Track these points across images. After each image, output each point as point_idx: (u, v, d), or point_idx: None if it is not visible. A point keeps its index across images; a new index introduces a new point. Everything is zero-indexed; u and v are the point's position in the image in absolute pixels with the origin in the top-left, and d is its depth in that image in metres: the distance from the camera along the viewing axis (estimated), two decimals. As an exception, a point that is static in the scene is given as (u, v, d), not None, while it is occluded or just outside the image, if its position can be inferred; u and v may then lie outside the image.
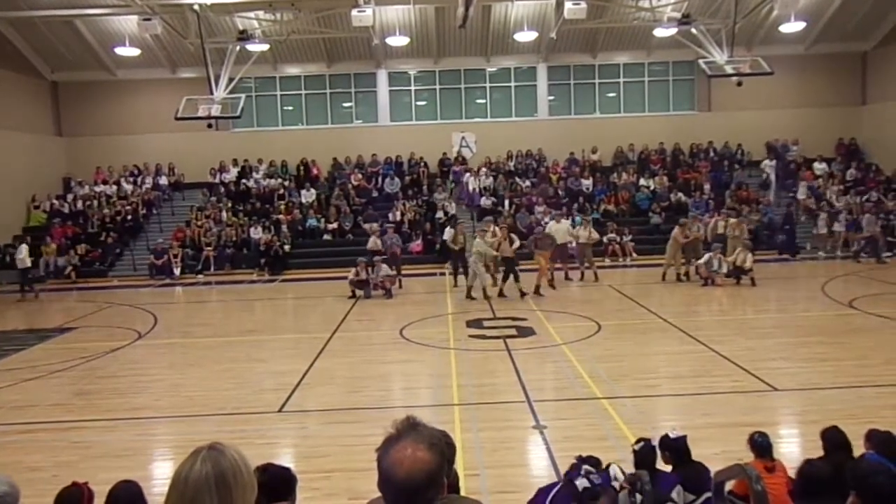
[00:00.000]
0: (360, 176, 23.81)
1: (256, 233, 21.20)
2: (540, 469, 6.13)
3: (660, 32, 20.94)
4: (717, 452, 5.48)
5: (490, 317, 12.96)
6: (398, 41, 21.79)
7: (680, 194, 22.39)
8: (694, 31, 18.47)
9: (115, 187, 23.90)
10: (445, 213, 21.54)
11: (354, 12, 17.24)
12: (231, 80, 18.30)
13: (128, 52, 20.98)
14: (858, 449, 4.10)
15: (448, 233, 17.17)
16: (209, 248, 20.75)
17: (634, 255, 20.05)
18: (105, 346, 11.43)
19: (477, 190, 23.02)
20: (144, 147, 24.30)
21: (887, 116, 23.43)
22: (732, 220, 17.05)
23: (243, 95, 19.02)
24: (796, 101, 24.26)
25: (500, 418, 7.32)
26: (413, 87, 25.17)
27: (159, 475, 6.16)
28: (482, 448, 6.45)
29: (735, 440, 5.32)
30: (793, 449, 6.08)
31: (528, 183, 23.32)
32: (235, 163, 24.47)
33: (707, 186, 22.65)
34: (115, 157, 24.40)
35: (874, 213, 19.37)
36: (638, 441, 4.44)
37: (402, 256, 18.42)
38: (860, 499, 2.60)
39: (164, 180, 24.20)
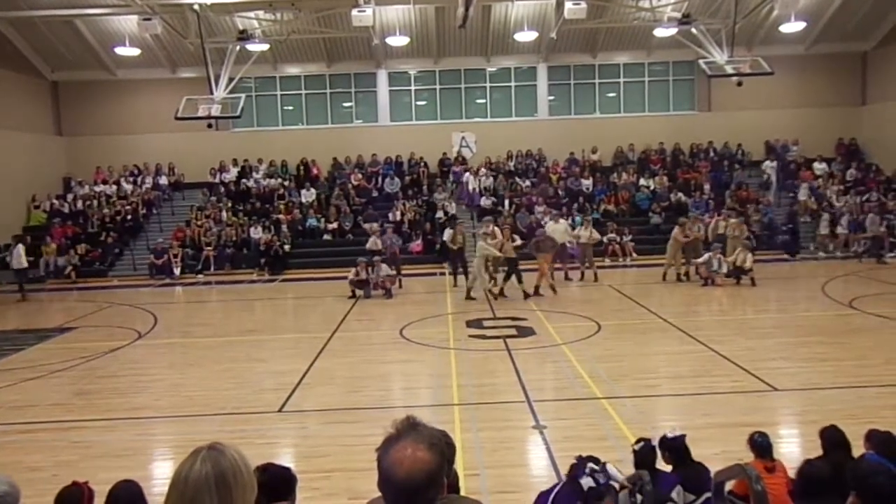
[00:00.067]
0: (360, 176, 23.81)
1: (256, 233, 21.20)
2: (540, 469, 6.12)
3: (660, 32, 20.94)
4: (716, 452, 5.48)
5: (490, 317, 12.96)
6: (398, 41, 21.79)
7: (680, 194, 22.39)
8: (694, 31, 18.46)
9: (115, 187, 23.90)
10: (445, 213, 21.54)
11: (354, 12, 17.25)
12: (231, 79, 18.30)
13: (128, 51, 20.98)
14: (858, 449, 4.10)
15: (447, 233, 17.17)
16: (209, 248, 20.76)
17: (634, 255, 20.06)
18: (105, 346, 11.43)
19: (477, 190, 23.02)
20: (144, 147, 24.30)
21: (887, 116, 23.43)
22: (733, 221, 17.05)
23: (243, 95, 19.01)
24: (796, 101, 24.26)
25: (500, 418, 7.32)
26: (413, 87, 25.18)
27: (159, 475, 6.16)
28: (482, 448, 6.45)
29: (735, 440, 5.32)
30: (793, 449, 6.07)
31: (528, 183, 23.32)
32: (235, 163, 24.47)
33: (707, 186, 22.65)
34: (115, 156, 24.40)
35: (878, 213, 19.32)
36: (638, 441, 4.44)
37: (402, 256, 18.42)
38: (860, 499, 2.60)
39: (164, 180, 24.20)
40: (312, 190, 23.32)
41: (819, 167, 23.50)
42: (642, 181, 23.28)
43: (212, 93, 17.99)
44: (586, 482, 3.46)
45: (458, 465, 5.16)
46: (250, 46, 19.34)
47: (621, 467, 4.44)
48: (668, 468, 4.43)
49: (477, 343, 10.96)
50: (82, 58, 22.99)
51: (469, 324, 12.33)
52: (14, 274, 17.61)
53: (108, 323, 13.92)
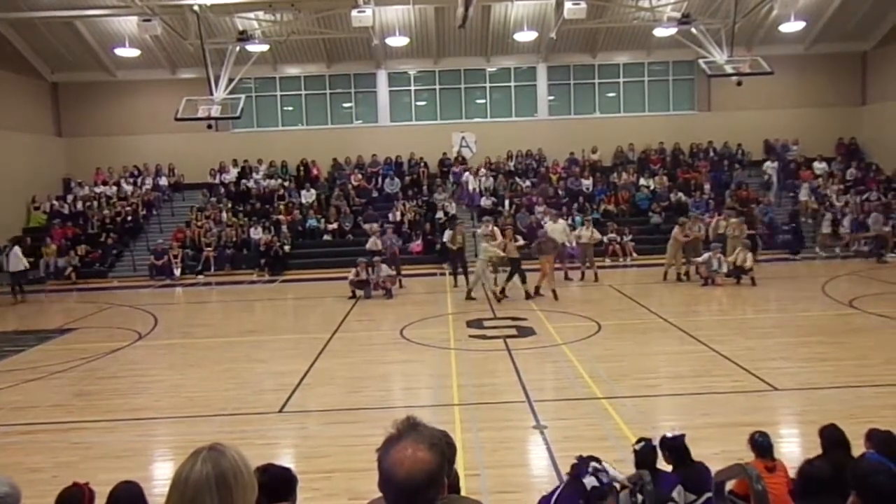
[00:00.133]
0: (359, 176, 23.81)
1: (256, 233, 21.20)
2: (540, 469, 6.13)
3: (660, 32, 20.94)
4: (717, 452, 5.48)
5: (490, 317, 12.96)
6: (398, 41, 21.79)
7: (680, 194, 22.39)
8: (694, 30, 18.47)
9: (115, 188, 23.90)
10: (445, 214, 21.53)
11: (354, 13, 17.25)
12: (231, 80, 18.30)
13: (128, 52, 20.98)
14: (858, 448, 4.09)
15: (447, 234, 17.19)
16: (209, 249, 20.75)
17: (634, 254, 20.06)
18: (105, 347, 11.43)
19: (477, 190, 23.03)
20: (144, 148, 24.31)
21: (887, 116, 23.44)
22: (733, 220, 17.05)
23: (243, 96, 19.00)
24: (796, 100, 24.27)
25: (501, 418, 7.32)
26: (413, 88, 25.18)
27: (160, 476, 6.16)
28: (482, 448, 6.45)
29: (735, 440, 5.32)
30: (793, 449, 6.07)
31: (528, 183, 23.32)
32: (235, 163, 24.47)
33: (707, 186, 22.65)
34: (115, 157, 24.40)
35: (882, 213, 19.27)
36: (639, 441, 4.45)
37: (402, 256, 18.43)
38: (860, 498, 2.60)
39: (163, 181, 24.20)
40: (312, 190, 23.32)
41: (819, 167, 23.50)
42: (642, 181, 23.28)
43: (212, 93, 17.99)
44: (589, 481, 3.45)
45: (459, 465, 5.16)
46: (250, 47, 19.34)
47: (622, 467, 4.45)
48: (669, 468, 4.43)
49: (477, 343, 10.96)
50: (82, 59, 23.00)
51: (469, 324, 12.33)
52: (10, 276, 17.53)
53: (108, 324, 13.92)
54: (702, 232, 17.05)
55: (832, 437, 4.34)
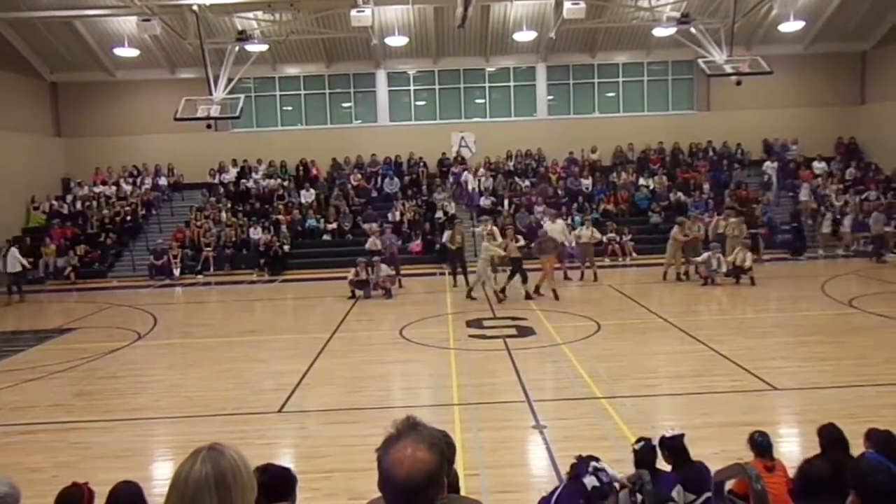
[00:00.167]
0: (359, 176, 23.81)
1: (256, 233, 21.19)
2: (540, 469, 6.13)
3: (659, 32, 20.94)
4: (716, 452, 5.49)
5: (490, 317, 12.96)
6: (397, 41, 21.79)
7: (679, 194, 22.39)
8: (693, 30, 18.48)
9: (114, 188, 23.89)
10: (445, 213, 21.53)
11: (353, 12, 17.24)
12: (230, 80, 18.30)
13: (127, 52, 20.95)
14: (858, 448, 4.10)
15: (446, 234, 17.20)
16: (209, 249, 20.75)
17: (634, 254, 20.07)
18: (105, 347, 11.43)
19: (476, 190, 23.03)
20: (144, 148, 24.29)
21: (886, 116, 23.45)
22: (732, 220, 17.06)
23: (242, 96, 19.02)
24: (795, 100, 24.27)
25: (500, 418, 7.32)
26: (412, 87, 25.17)
27: (159, 476, 6.16)
28: (482, 448, 6.46)
29: (735, 439, 5.32)
30: (793, 448, 6.08)
31: (527, 183, 23.32)
32: (235, 163, 24.47)
33: (706, 186, 22.66)
34: (115, 157, 24.39)
35: (884, 213, 19.21)
36: (638, 441, 4.45)
37: (401, 256, 18.42)
38: (860, 498, 2.60)
39: (163, 181, 24.19)
40: (312, 190, 23.32)
41: (818, 166, 23.51)
42: (641, 181, 23.29)
43: (211, 93, 18.00)
44: (590, 481, 3.45)
45: (458, 465, 5.17)
46: (249, 47, 19.34)
47: (621, 467, 4.45)
48: (668, 468, 4.43)
49: (477, 343, 10.96)
50: (81, 59, 22.98)
51: (469, 324, 12.34)
52: (7, 277, 17.48)
53: (107, 324, 13.92)
54: (701, 232, 17.06)
55: (830, 437, 4.35)
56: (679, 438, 4.46)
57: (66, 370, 10.16)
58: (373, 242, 17.72)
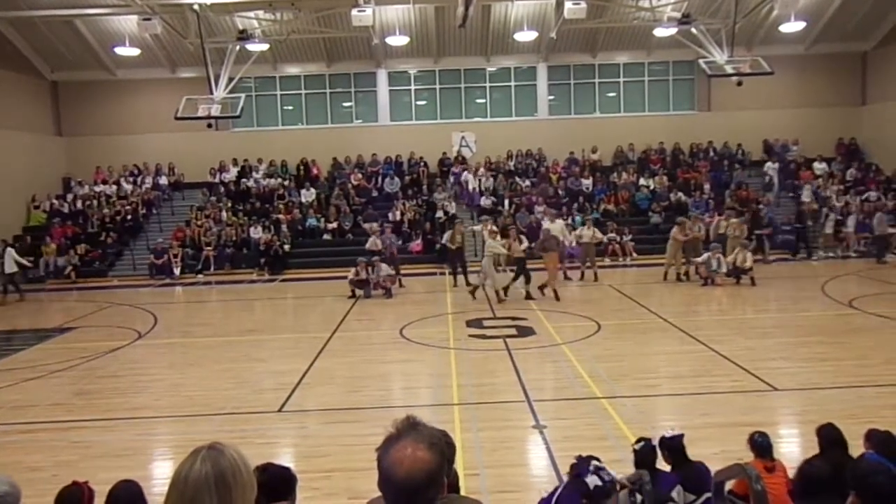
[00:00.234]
0: (359, 175, 23.81)
1: (256, 232, 21.20)
2: (539, 469, 6.13)
3: (660, 32, 20.94)
4: (716, 452, 5.48)
5: (490, 316, 12.96)
6: (398, 41, 21.79)
7: (680, 194, 22.39)
8: (694, 30, 18.47)
9: (114, 187, 23.90)
10: (445, 213, 21.54)
11: (354, 12, 17.24)
12: (231, 79, 18.31)
13: (128, 51, 20.97)
14: (858, 449, 4.10)
15: (447, 235, 17.21)
16: (209, 248, 20.75)
17: (634, 254, 20.07)
18: (105, 346, 11.44)
19: (477, 189, 23.04)
20: (144, 147, 24.30)
21: (887, 116, 23.44)
22: (733, 221, 17.06)
23: (243, 95, 19.02)
24: (796, 101, 24.26)
25: (500, 418, 7.32)
26: (413, 87, 25.17)
27: (159, 475, 6.16)
28: (482, 448, 6.46)
29: (735, 440, 5.32)
30: (793, 449, 6.07)
31: (527, 183, 23.32)
32: (235, 162, 24.47)
33: (707, 186, 22.65)
34: (115, 156, 24.39)
35: (887, 212, 19.14)
36: (638, 441, 4.44)
37: (401, 256, 18.43)
38: (860, 499, 2.60)
39: (163, 180, 24.20)
40: (312, 190, 23.32)
41: (819, 167, 23.50)
42: (642, 181, 23.29)
43: (212, 93, 18.00)
44: (592, 480, 3.44)
45: (458, 465, 5.17)
46: (250, 46, 19.34)
47: (621, 467, 4.45)
48: (668, 468, 4.43)
49: (477, 343, 10.97)
50: (82, 58, 22.99)
51: (469, 323, 12.34)
52: (2, 277, 17.42)
53: (107, 323, 13.93)
54: (702, 232, 17.05)
55: (829, 437, 4.35)
56: (679, 439, 4.46)
57: (67, 369, 10.16)
58: (373, 242, 17.72)
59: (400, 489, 1.67)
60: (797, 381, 8.22)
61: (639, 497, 4.03)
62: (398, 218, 21.76)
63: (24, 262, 18.03)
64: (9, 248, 17.63)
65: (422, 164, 24.38)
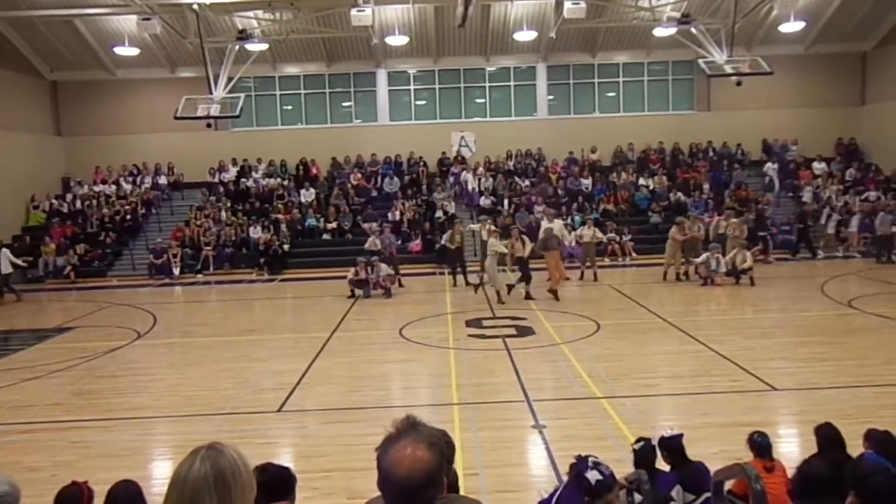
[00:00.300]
0: (359, 175, 23.81)
1: (256, 232, 21.19)
2: (539, 468, 6.13)
3: (659, 32, 20.94)
4: (716, 452, 5.48)
5: (489, 316, 12.96)
6: (397, 41, 21.78)
7: (679, 194, 22.39)
8: (693, 30, 18.48)
9: (114, 187, 23.88)
10: (445, 213, 21.53)
11: (354, 12, 17.24)
12: (230, 79, 18.30)
13: (127, 51, 20.96)
14: (857, 448, 4.10)
15: (446, 235, 17.21)
16: (208, 248, 20.75)
17: (634, 254, 20.08)
18: (104, 346, 11.43)
19: (476, 189, 23.04)
20: (144, 147, 24.29)
21: (887, 116, 23.45)
22: (733, 221, 17.06)
23: (242, 95, 19.03)
24: (796, 101, 24.27)
25: (500, 418, 7.32)
26: (412, 87, 25.17)
27: (158, 475, 6.16)
28: (481, 447, 6.46)
29: (734, 440, 5.33)
30: (792, 449, 6.07)
31: (527, 182, 23.33)
32: (235, 162, 24.46)
33: (706, 186, 22.66)
34: (115, 156, 24.38)
35: (889, 212, 19.11)
36: (638, 440, 4.44)
37: (400, 256, 18.42)
38: (859, 498, 2.60)
39: (163, 180, 24.19)
40: (312, 189, 23.32)
41: (818, 167, 23.51)
42: (641, 181, 23.29)
43: (211, 92, 18.00)
44: (593, 475, 3.44)
45: (458, 465, 5.17)
46: (249, 46, 19.34)
47: (621, 467, 4.44)
48: (668, 468, 4.43)
49: (476, 342, 10.97)
50: (81, 58, 22.97)
51: (468, 323, 12.34)
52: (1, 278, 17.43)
53: (107, 323, 13.92)
54: (701, 232, 17.05)
55: (827, 436, 4.36)
56: (678, 438, 4.46)
57: (66, 369, 10.16)
58: (372, 242, 17.71)
59: (399, 489, 1.67)
60: (796, 381, 8.23)
61: (637, 497, 4.03)
62: (397, 218, 21.76)
63: (18, 262, 18.00)
64: (4, 249, 17.60)
65: (421, 163, 24.38)
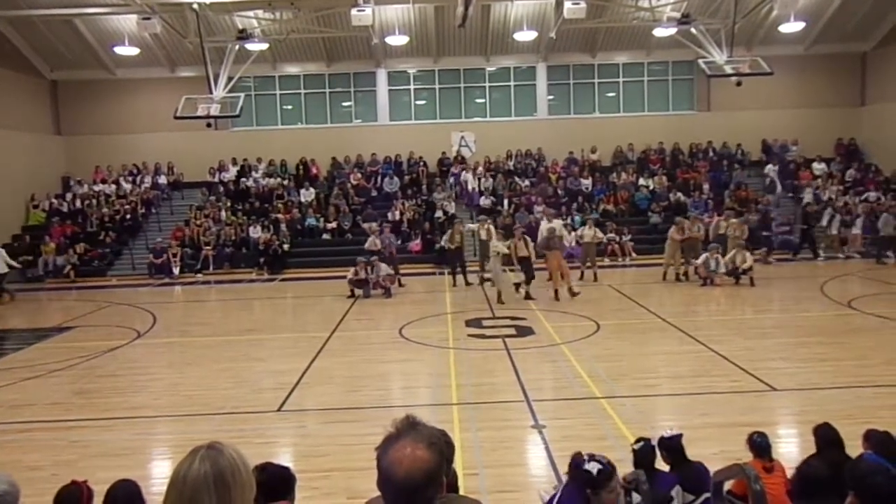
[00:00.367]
0: (359, 175, 23.81)
1: (255, 232, 21.19)
2: (539, 468, 6.13)
3: (659, 32, 20.94)
4: (715, 452, 5.49)
5: (489, 316, 12.96)
6: (397, 40, 21.78)
7: (679, 194, 22.40)
8: (693, 30, 18.47)
9: (114, 186, 23.88)
10: (445, 213, 21.53)
11: (354, 11, 17.23)
12: (230, 79, 18.29)
13: (127, 51, 20.97)
14: (856, 449, 4.10)
15: (446, 235, 17.20)
16: (208, 248, 20.75)
17: (633, 254, 20.07)
18: (104, 346, 11.43)
19: (476, 189, 23.04)
20: (143, 146, 24.29)
21: (886, 117, 23.45)
22: (734, 221, 17.05)
23: (242, 94, 19.02)
24: (796, 101, 24.27)
25: (499, 418, 7.32)
26: (412, 87, 25.17)
27: (158, 474, 6.16)
28: (481, 447, 6.46)
29: (734, 440, 5.33)
30: (791, 449, 6.07)
31: (527, 182, 23.33)
32: (234, 162, 24.46)
33: (706, 186, 22.67)
34: (115, 156, 24.38)
35: (893, 214, 19.09)
36: (637, 441, 4.44)
37: (400, 256, 18.41)
38: (859, 499, 2.60)
39: (163, 179, 24.19)
40: (311, 189, 23.32)
41: (818, 167, 23.52)
42: (641, 181, 23.29)
43: (211, 92, 17.99)
44: (593, 466, 3.43)
45: (458, 465, 5.17)
46: (249, 46, 19.33)
47: (621, 467, 4.44)
48: (667, 468, 4.43)
49: (476, 342, 10.97)
50: (81, 57, 22.97)
51: (468, 323, 12.34)
52: None
53: (106, 322, 13.92)
54: (701, 232, 17.04)
55: (826, 436, 4.36)
56: (678, 438, 4.46)
57: (66, 368, 10.16)
58: (372, 242, 17.70)
59: (399, 488, 1.67)
60: (796, 382, 8.23)
61: (636, 497, 4.03)
62: (397, 218, 21.76)
63: (14, 263, 17.99)
64: (0, 250, 17.59)
65: (421, 163, 24.38)
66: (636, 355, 9.93)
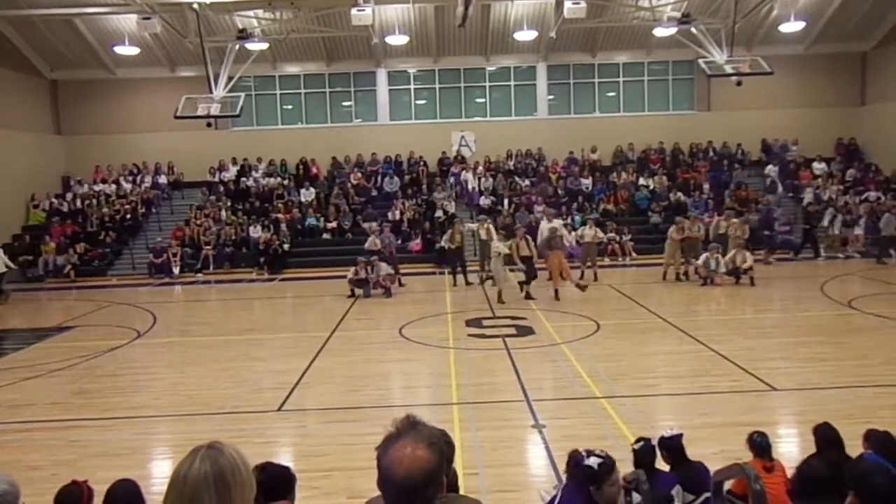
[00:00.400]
0: (359, 175, 23.81)
1: (256, 232, 21.18)
2: (539, 468, 6.13)
3: (659, 32, 20.93)
4: (715, 452, 5.49)
5: (489, 316, 12.96)
6: (398, 40, 21.78)
7: (679, 194, 22.39)
8: (693, 30, 18.47)
9: (114, 186, 23.88)
10: (445, 213, 21.53)
11: (354, 11, 17.23)
12: (230, 78, 18.29)
13: (127, 50, 20.97)
14: (856, 449, 4.10)
15: (446, 235, 17.20)
16: (208, 247, 20.75)
17: (634, 254, 20.07)
18: (104, 345, 11.43)
19: (476, 189, 23.04)
20: (144, 146, 24.29)
21: (887, 116, 23.45)
22: (734, 221, 17.04)
23: (242, 94, 19.03)
24: (796, 101, 24.26)
25: (499, 417, 7.32)
26: (412, 86, 25.17)
27: (158, 474, 6.16)
28: (481, 447, 6.46)
29: (734, 440, 5.32)
30: (791, 449, 6.07)
31: (527, 182, 23.33)
32: (235, 161, 24.46)
33: (706, 186, 22.67)
34: (115, 155, 24.38)
35: (894, 213, 19.07)
36: (638, 440, 4.44)
37: (400, 255, 18.41)
38: (859, 499, 2.60)
39: (163, 179, 24.19)
40: (312, 189, 23.32)
41: (818, 167, 23.52)
42: (642, 181, 23.29)
43: (211, 92, 17.99)
44: (593, 460, 3.43)
45: (458, 464, 5.17)
46: (249, 45, 19.33)
47: (621, 467, 4.44)
48: (668, 468, 4.43)
49: (476, 342, 10.97)
50: (81, 57, 22.96)
51: (468, 323, 12.34)
52: None
53: (107, 322, 13.92)
54: (701, 232, 17.03)
55: (826, 436, 4.36)
56: (678, 438, 4.46)
57: (66, 368, 10.15)
58: (372, 242, 17.70)
59: (399, 488, 1.67)
60: (796, 381, 8.23)
61: (636, 497, 4.03)
62: (397, 217, 21.76)
63: (10, 264, 17.97)
64: None
65: (421, 163, 24.38)
66: (636, 355, 9.93)
